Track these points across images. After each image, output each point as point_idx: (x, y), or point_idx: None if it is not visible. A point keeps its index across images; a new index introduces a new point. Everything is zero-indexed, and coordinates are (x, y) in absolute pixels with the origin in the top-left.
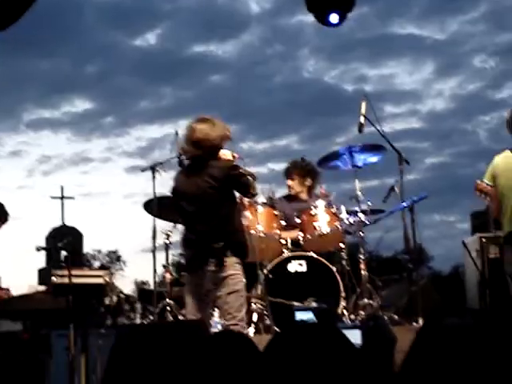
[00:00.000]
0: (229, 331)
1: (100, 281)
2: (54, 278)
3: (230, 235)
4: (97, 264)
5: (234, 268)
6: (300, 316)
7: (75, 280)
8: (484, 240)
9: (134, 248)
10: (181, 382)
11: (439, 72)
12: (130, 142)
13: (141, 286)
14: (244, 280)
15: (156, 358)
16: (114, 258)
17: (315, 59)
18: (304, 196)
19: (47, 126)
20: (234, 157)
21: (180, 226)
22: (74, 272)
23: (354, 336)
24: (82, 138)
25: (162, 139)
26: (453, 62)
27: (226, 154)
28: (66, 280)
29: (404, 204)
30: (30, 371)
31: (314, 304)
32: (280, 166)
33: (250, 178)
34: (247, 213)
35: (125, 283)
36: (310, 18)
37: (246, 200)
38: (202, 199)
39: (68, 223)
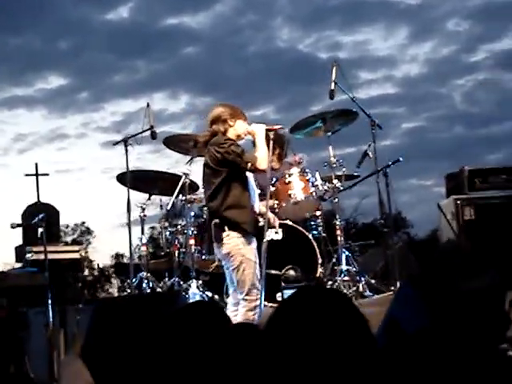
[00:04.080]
0: (201, 301)
1: (76, 256)
2: (29, 255)
3: (225, 211)
4: (68, 239)
5: (231, 244)
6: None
7: (51, 256)
8: (458, 202)
9: (112, 223)
10: (156, 353)
11: (413, 37)
12: (106, 117)
13: (117, 260)
14: (245, 252)
15: (133, 330)
16: (83, 230)
17: (289, 28)
18: (275, 165)
19: (22, 103)
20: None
21: (155, 197)
22: (49, 248)
23: None
24: (57, 114)
25: (136, 113)
26: (426, 27)
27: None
28: (41, 256)
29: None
30: (8, 349)
31: (291, 273)
32: None
33: (232, 154)
34: None
35: (102, 257)
36: None
37: None
38: (203, 178)
39: (44, 200)
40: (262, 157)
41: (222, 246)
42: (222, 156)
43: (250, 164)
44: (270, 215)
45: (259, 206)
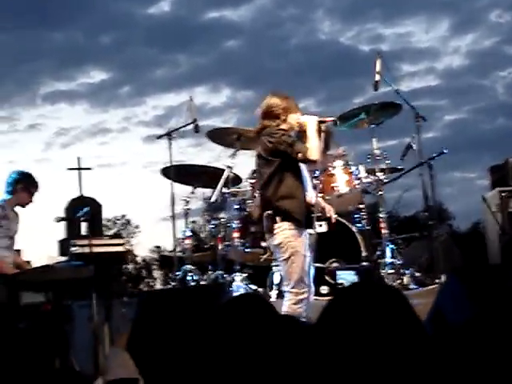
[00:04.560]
0: (247, 294)
1: (120, 249)
2: (74, 248)
3: (278, 201)
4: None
5: (283, 235)
6: (343, 276)
7: (95, 249)
8: (504, 194)
9: (155, 217)
10: (202, 346)
11: (455, 29)
12: (147, 112)
13: (159, 253)
14: (296, 245)
15: (178, 323)
16: (124, 223)
17: (330, 21)
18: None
19: (64, 98)
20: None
21: (199, 191)
22: (93, 241)
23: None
24: (99, 109)
25: (178, 107)
26: (468, 18)
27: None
28: (86, 250)
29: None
30: (53, 343)
31: (335, 265)
32: None
33: (283, 144)
34: None
35: (144, 251)
36: None
37: None
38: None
39: (86, 194)
40: (313, 148)
41: (273, 237)
42: (273, 146)
43: (301, 154)
44: (326, 206)
45: (314, 197)
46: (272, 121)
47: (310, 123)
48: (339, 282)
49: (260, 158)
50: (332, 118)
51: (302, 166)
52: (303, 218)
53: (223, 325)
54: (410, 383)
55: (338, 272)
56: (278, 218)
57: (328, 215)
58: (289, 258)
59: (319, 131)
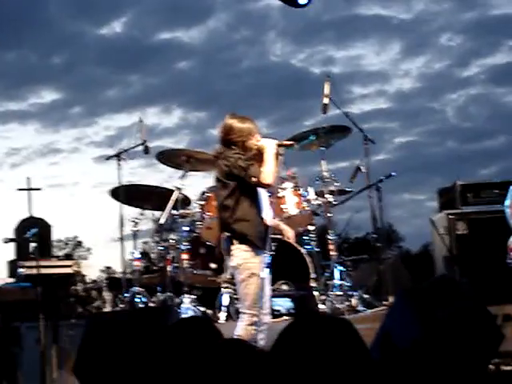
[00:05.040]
0: (193, 317)
1: (68, 270)
2: (21, 270)
3: (234, 224)
4: (60, 253)
5: (240, 256)
6: (279, 303)
7: (43, 270)
8: (451, 217)
9: (104, 237)
10: (149, 368)
11: (406, 52)
12: (99, 132)
13: (107, 274)
14: (252, 267)
15: (125, 345)
16: (75, 244)
17: (282, 43)
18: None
19: (15, 118)
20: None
21: (148, 212)
22: (42, 263)
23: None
24: (51, 129)
25: (130, 128)
26: (419, 42)
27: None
28: (34, 271)
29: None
30: (1, 365)
31: (284, 287)
32: None
33: (237, 168)
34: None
35: (94, 272)
36: (275, 1)
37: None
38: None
39: (36, 215)
40: (269, 172)
41: (230, 258)
42: (229, 169)
43: (255, 179)
44: (285, 228)
45: (271, 219)
46: (229, 145)
47: (269, 147)
48: (275, 308)
49: (217, 180)
50: (290, 142)
51: (259, 189)
52: (259, 241)
53: (169, 348)
54: None
55: (274, 299)
56: (234, 241)
57: (286, 237)
58: (244, 278)
59: (277, 155)
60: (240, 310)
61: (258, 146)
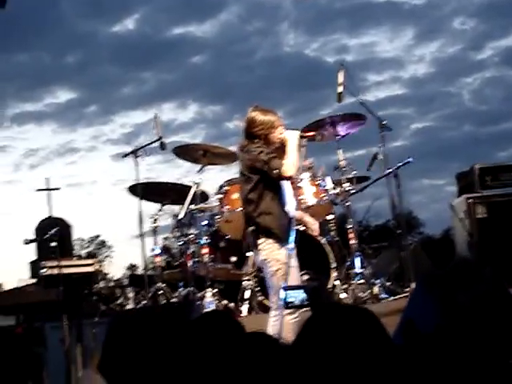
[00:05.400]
0: (214, 311)
1: (90, 269)
2: (43, 270)
3: (258, 217)
4: (83, 252)
5: (267, 250)
6: (292, 295)
7: (65, 270)
8: (470, 200)
9: (125, 235)
10: (171, 364)
11: (419, 37)
12: (115, 130)
13: (131, 271)
14: (281, 258)
15: (148, 342)
16: (98, 243)
17: (295, 33)
18: None
19: (31, 119)
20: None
21: (167, 208)
22: (63, 262)
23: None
24: (67, 128)
25: (146, 124)
26: (432, 26)
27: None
28: (55, 271)
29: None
30: (26, 365)
31: (305, 278)
32: None
33: (260, 162)
34: (234, 193)
35: (117, 270)
36: None
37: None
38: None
39: (56, 214)
40: (290, 164)
41: (258, 252)
42: (251, 163)
43: (276, 171)
44: (310, 220)
45: (296, 212)
46: (252, 138)
47: (291, 139)
48: (288, 300)
49: (241, 174)
50: (313, 133)
51: (283, 181)
52: (283, 233)
53: (191, 342)
54: None
55: (287, 291)
56: (260, 234)
57: (310, 230)
58: (276, 271)
59: (299, 146)
60: (273, 302)
61: (281, 138)
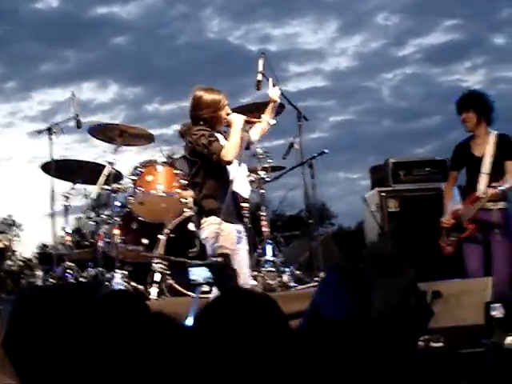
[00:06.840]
0: (119, 291)
1: None
2: None
3: (202, 201)
4: None
5: (208, 229)
6: (196, 273)
7: None
8: (383, 194)
9: (38, 213)
10: (76, 343)
11: (343, 30)
12: (33, 107)
13: (42, 250)
14: (222, 240)
15: (54, 320)
16: (7, 221)
17: (219, 19)
18: None
19: None
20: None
21: (79, 187)
22: None
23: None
24: None
25: (64, 103)
26: (356, 20)
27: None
28: None
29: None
30: None
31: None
32: None
33: (200, 146)
34: (149, 175)
35: (27, 248)
36: None
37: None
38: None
39: None
40: (230, 147)
41: (201, 232)
42: (192, 146)
43: (215, 155)
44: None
45: (246, 191)
46: (197, 120)
47: (237, 122)
48: (192, 278)
49: (184, 158)
50: (259, 120)
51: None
52: (229, 216)
53: (93, 321)
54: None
55: (191, 269)
56: (204, 216)
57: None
58: (215, 250)
59: (243, 131)
60: None
61: (227, 119)
